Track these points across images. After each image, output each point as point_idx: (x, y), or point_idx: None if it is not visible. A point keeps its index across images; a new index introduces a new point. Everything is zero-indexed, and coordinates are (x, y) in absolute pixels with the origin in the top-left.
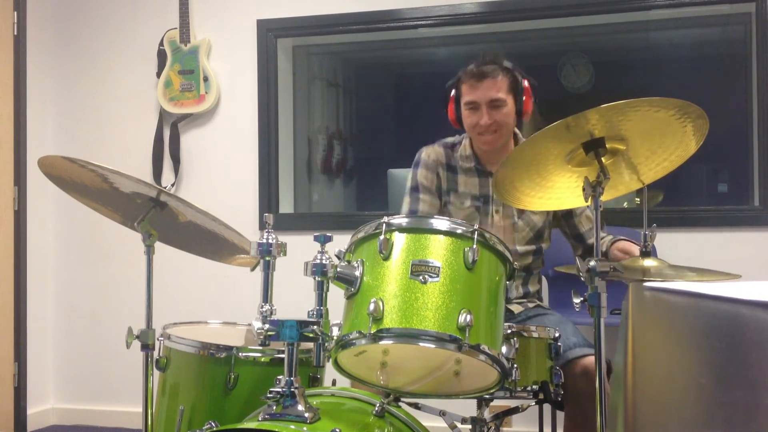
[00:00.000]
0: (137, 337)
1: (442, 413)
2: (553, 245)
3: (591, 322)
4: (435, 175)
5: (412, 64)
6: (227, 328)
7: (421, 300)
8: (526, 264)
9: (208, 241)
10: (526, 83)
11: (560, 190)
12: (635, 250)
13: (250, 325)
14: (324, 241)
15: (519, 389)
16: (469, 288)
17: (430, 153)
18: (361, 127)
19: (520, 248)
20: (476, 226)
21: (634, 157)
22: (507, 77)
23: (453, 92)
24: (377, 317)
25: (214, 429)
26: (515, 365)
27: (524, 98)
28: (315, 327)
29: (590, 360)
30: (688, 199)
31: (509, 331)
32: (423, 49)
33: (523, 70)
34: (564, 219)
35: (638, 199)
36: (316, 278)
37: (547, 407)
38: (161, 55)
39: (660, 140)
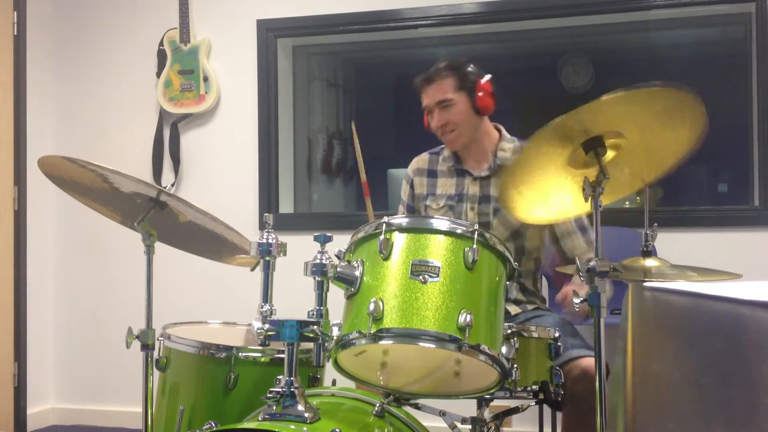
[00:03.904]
0: (137, 337)
1: (442, 413)
2: None
3: (591, 322)
4: (410, 186)
5: (412, 64)
6: (227, 328)
7: (421, 300)
8: None
9: (208, 241)
10: (482, 80)
11: (567, 197)
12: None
13: (250, 325)
14: (324, 241)
15: (519, 389)
16: (469, 288)
17: (413, 164)
18: (361, 127)
19: None
20: (476, 227)
21: (635, 153)
22: (454, 77)
23: None
24: (377, 317)
25: (214, 429)
26: (515, 365)
27: (478, 94)
28: (315, 327)
29: (588, 361)
30: (688, 199)
31: (509, 331)
32: (423, 49)
33: (523, 70)
34: (545, 225)
35: (639, 198)
36: (316, 278)
37: (547, 407)
38: (161, 55)
39: (659, 130)
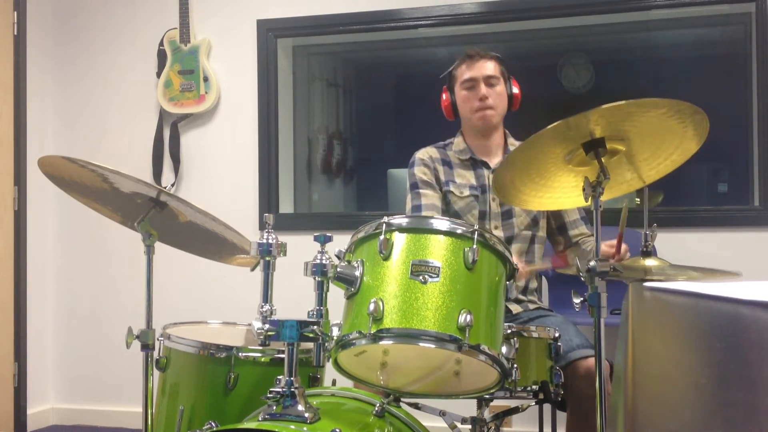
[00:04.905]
0: (137, 337)
1: (442, 413)
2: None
3: (591, 322)
4: (432, 169)
5: (412, 64)
6: (227, 328)
7: (421, 300)
8: (523, 250)
9: (208, 241)
10: (513, 78)
11: (560, 189)
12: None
13: (250, 325)
14: (324, 241)
15: (519, 389)
16: (469, 288)
17: (425, 153)
18: (361, 127)
19: (517, 232)
20: (476, 226)
21: (635, 157)
22: (498, 62)
23: (445, 86)
24: (377, 317)
25: (214, 429)
26: (515, 365)
27: (513, 84)
28: (315, 327)
29: (593, 361)
30: (688, 199)
31: (509, 331)
32: (423, 49)
33: (523, 70)
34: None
35: (638, 200)
36: (316, 278)
37: (547, 407)
38: (161, 55)
39: (661, 139)
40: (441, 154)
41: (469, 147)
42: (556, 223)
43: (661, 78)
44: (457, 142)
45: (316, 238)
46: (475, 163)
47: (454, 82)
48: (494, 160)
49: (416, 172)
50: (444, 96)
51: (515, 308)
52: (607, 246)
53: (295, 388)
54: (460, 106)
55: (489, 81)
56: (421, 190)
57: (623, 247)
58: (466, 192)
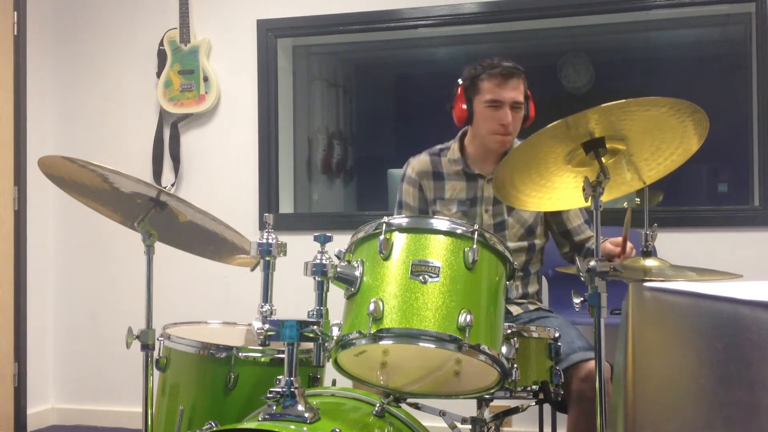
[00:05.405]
0: (137, 337)
1: (442, 413)
2: (553, 245)
3: (591, 322)
4: (418, 189)
5: (412, 64)
6: (227, 328)
7: (421, 300)
8: (521, 261)
9: (208, 241)
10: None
11: (560, 190)
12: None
13: (250, 325)
14: (324, 241)
15: (519, 389)
16: (469, 288)
17: (414, 165)
18: (361, 127)
19: (511, 245)
20: (476, 227)
21: (636, 157)
22: (524, 82)
23: (460, 89)
24: (377, 317)
25: (214, 429)
26: (515, 365)
27: (531, 103)
28: (315, 327)
29: (594, 364)
30: (688, 199)
31: (509, 331)
32: (423, 49)
33: (523, 70)
34: (551, 215)
35: (638, 199)
36: (316, 278)
37: (547, 407)
38: (161, 55)
39: (661, 138)
40: (433, 164)
41: (463, 157)
42: (559, 229)
43: (661, 78)
44: (453, 149)
45: (316, 238)
46: (467, 175)
47: (475, 93)
48: (489, 169)
49: (403, 190)
50: (460, 103)
51: (515, 309)
52: (612, 244)
53: (295, 388)
54: (477, 121)
55: (515, 106)
56: (402, 211)
57: (629, 245)
58: (454, 208)
